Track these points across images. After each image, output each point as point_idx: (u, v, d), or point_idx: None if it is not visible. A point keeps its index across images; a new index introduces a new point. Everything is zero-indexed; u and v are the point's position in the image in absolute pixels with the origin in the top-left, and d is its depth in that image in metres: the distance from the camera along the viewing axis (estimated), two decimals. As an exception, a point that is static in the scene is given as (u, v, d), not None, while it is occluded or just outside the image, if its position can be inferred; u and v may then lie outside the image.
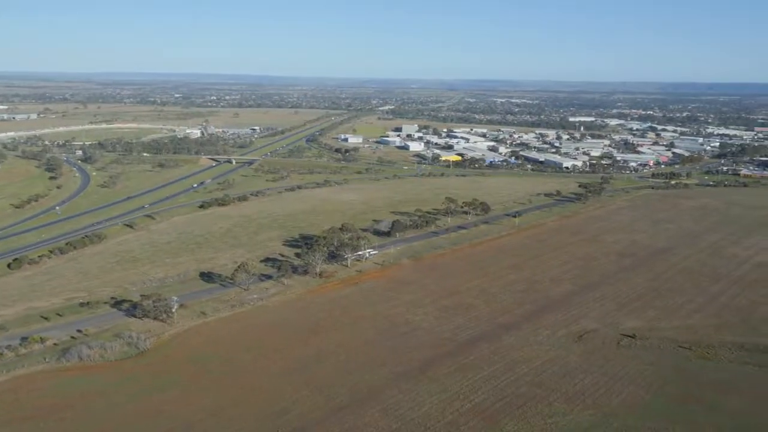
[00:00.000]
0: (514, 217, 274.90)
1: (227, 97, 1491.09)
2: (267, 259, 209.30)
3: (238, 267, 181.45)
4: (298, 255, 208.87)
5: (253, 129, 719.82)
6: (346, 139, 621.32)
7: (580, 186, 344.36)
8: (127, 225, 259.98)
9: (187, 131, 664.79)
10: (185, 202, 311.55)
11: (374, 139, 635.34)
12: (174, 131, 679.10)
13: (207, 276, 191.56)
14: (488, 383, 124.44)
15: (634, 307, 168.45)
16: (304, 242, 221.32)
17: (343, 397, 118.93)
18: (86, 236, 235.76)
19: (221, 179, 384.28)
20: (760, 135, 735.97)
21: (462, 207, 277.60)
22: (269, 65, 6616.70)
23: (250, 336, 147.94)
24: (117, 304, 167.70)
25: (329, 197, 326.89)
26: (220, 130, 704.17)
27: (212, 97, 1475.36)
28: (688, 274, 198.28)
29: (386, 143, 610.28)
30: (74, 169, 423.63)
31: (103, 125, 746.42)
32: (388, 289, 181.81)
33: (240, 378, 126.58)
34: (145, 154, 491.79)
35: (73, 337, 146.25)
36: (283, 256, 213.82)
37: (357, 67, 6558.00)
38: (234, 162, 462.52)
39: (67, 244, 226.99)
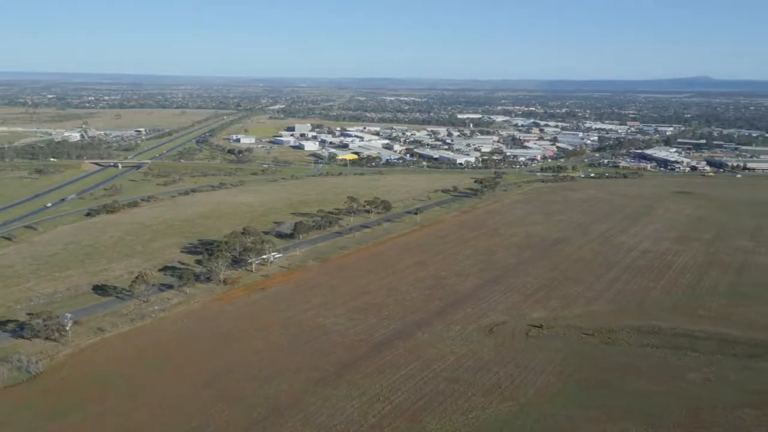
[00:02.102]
0: (415, 214, 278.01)
1: (106, 98, 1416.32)
2: (166, 268, 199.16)
3: (137, 277, 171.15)
4: (198, 262, 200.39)
5: (138, 131, 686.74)
6: (238, 140, 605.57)
7: (475, 181, 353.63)
8: (5, 237, 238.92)
9: (66, 134, 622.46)
10: (69, 211, 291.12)
11: (267, 139, 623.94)
12: (50, 134, 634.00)
13: (101, 289, 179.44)
14: (407, 383, 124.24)
15: (538, 298, 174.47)
16: (205, 248, 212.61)
17: (261, 408, 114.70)
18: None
19: (107, 184, 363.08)
20: (633, 129, 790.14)
21: (364, 206, 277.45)
22: (149, 64, 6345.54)
23: (155, 351, 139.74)
24: (0, 325, 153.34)
25: (226, 200, 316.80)
26: (102, 132, 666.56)
27: (90, 98, 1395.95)
28: (584, 263, 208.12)
29: (280, 143, 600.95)
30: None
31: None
32: (297, 293, 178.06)
33: (148, 396, 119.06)
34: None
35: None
36: (182, 263, 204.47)
37: (243, 65, 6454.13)
38: (120, 166, 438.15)
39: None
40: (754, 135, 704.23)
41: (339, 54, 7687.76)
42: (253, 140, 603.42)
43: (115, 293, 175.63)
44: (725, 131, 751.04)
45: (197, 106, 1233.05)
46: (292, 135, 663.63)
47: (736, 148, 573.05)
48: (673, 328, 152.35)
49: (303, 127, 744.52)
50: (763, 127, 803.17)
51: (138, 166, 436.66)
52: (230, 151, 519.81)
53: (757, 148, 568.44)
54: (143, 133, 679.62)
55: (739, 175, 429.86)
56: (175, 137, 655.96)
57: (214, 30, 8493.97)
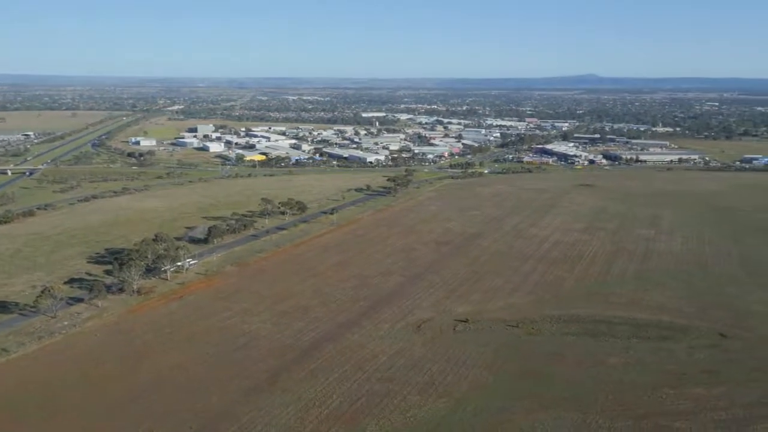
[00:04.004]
0: (331, 214, 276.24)
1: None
2: (72, 280, 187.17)
3: (42, 292, 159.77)
4: (108, 272, 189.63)
5: (27, 134, 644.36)
6: (138, 142, 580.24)
7: (388, 179, 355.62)
8: None
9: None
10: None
11: (169, 141, 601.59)
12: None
13: (1, 306, 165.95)
14: (341, 386, 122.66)
15: (461, 293, 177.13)
16: (114, 257, 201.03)
17: (192, 422, 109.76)
18: None
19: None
20: (532, 125, 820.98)
21: (279, 207, 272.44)
22: (31, 63, 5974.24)
23: (69, 369, 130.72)
24: None
25: (131, 206, 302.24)
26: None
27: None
28: (500, 257, 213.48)
29: (183, 145, 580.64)
30: None
31: None
32: (217, 300, 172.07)
33: (65, 420, 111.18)
34: None
35: None
36: (90, 275, 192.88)
37: (137, 65, 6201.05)
38: (10, 173, 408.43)
39: None
40: (642, 129, 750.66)
41: (237, 53, 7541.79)
42: (154, 142, 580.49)
43: (17, 310, 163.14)
44: (615, 126, 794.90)
45: (89, 107, 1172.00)
46: (195, 136, 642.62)
47: (627, 142, 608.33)
48: (590, 315, 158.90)
49: (206, 128, 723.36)
50: (649, 121, 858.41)
51: (30, 173, 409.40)
52: (130, 155, 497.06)
53: (647, 141, 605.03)
54: (33, 136, 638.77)
55: (607, 168, 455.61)
56: (68, 141, 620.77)
57: (104, 28, 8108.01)
